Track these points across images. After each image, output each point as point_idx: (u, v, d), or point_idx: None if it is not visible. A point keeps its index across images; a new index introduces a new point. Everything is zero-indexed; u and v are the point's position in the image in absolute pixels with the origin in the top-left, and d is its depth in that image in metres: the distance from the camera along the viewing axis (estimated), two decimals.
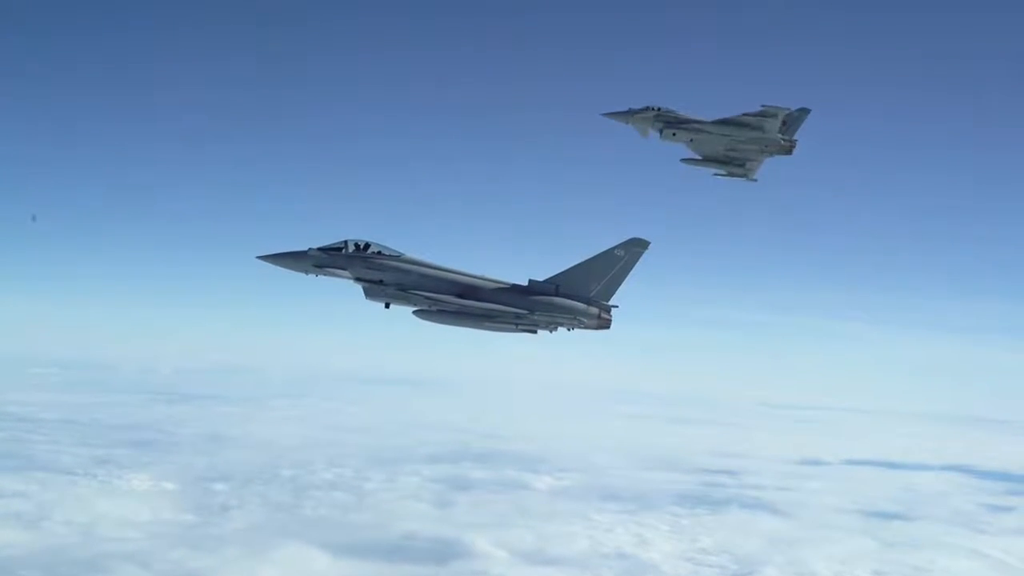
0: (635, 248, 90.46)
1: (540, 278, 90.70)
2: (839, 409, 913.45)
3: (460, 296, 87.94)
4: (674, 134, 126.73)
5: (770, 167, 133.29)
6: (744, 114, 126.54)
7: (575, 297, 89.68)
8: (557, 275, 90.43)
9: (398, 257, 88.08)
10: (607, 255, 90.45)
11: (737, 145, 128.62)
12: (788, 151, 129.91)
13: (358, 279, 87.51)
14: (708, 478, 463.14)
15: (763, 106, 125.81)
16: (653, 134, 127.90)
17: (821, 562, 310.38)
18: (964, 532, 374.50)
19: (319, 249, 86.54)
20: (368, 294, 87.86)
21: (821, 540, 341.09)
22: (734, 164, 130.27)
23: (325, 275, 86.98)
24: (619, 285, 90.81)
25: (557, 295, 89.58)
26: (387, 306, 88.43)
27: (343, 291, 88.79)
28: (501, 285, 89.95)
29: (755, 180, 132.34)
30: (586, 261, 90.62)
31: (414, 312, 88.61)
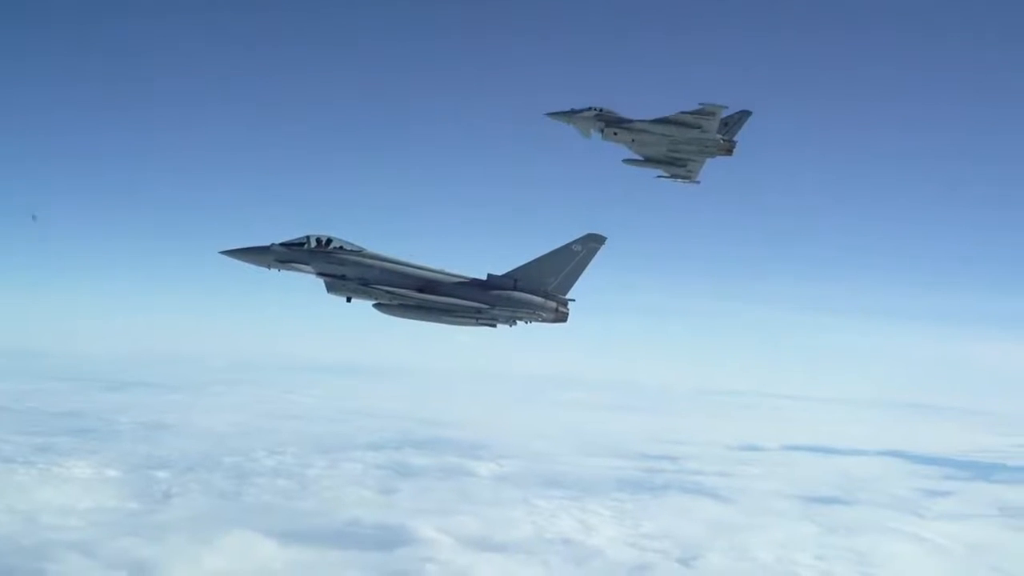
0: (592, 243, 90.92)
1: (498, 273, 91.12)
2: (775, 396, 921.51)
3: (420, 290, 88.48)
4: (615, 133, 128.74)
5: (713, 168, 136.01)
6: (682, 112, 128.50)
7: (533, 291, 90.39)
8: (515, 270, 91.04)
9: (360, 252, 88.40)
10: (564, 250, 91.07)
11: (678, 146, 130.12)
12: (728, 151, 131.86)
13: (320, 274, 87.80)
14: (649, 464, 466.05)
15: (701, 104, 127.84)
16: (595, 134, 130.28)
17: (763, 547, 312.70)
18: (903, 516, 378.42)
19: (281, 244, 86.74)
20: (330, 288, 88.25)
21: (762, 525, 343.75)
22: (676, 165, 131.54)
23: (287, 270, 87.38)
24: (576, 279, 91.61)
25: (515, 289, 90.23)
26: (349, 300, 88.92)
27: (302, 285, 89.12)
28: (461, 279, 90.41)
29: (698, 182, 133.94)
30: (544, 256, 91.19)
31: (374, 305, 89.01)
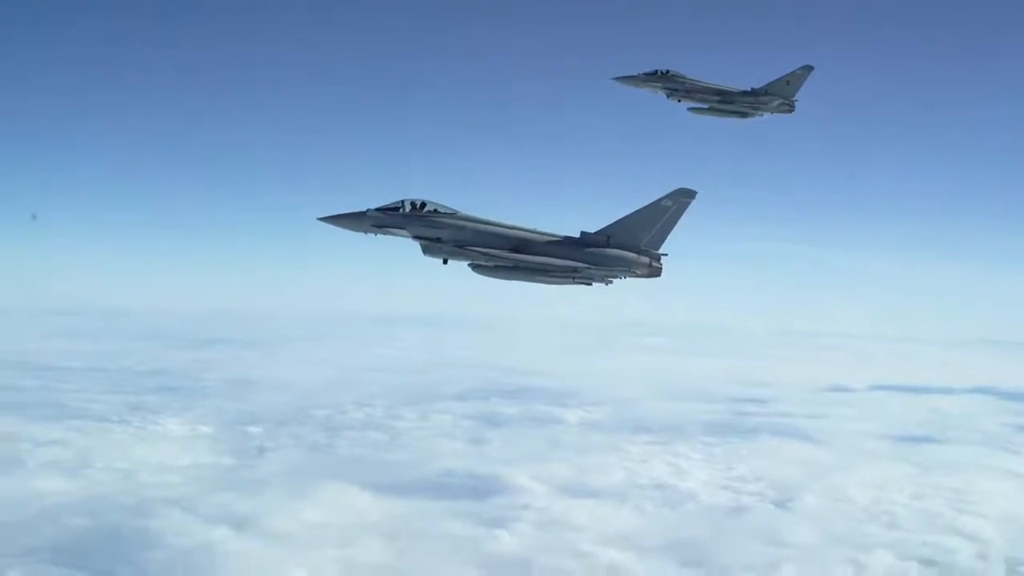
0: (683, 198, 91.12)
1: (591, 231, 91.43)
2: (858, 337, 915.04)
3: (514, 251, 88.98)
4: (679, 100, 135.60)
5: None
6: (745, 92, 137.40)
7: (626, 247, 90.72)
8: (608, 226, 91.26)
9: (453, 214, 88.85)
10: (655, 206, 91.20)
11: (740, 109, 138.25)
12: (789, 111, 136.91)
13: (416, 237, 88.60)
14: (736, 407, 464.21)
15: (767, 88, 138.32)
16: (661, 96, 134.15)
17: (858, 488, 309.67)
18: (997, 453, 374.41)
19: (377, 209, 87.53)
20: (426, 251, 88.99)
21: (855, 466, 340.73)
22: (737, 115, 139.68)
23: (384, 234, 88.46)
24: (668, 234, 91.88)
25: (608, 246, 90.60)
26: (445, 262, 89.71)
27: (400, 248, 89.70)
28: (554, 238, 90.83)
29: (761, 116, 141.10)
30: (635, 212, 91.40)
31: (470, 266, 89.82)
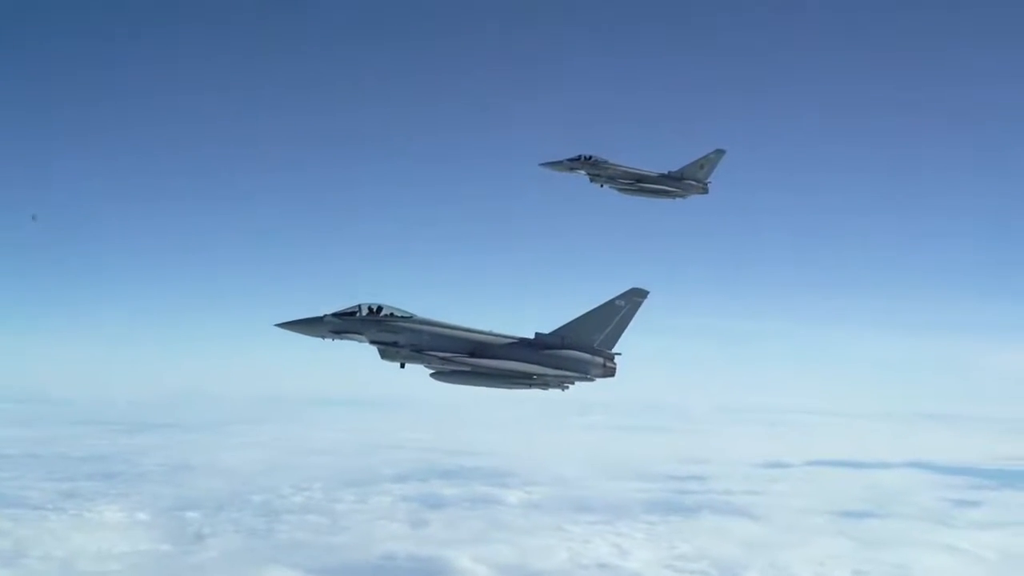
0: (635, 298, 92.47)
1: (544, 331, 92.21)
2: (797, 412, 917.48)
3: (472, 354, 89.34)
4: (602, 185, 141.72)
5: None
6: (663, 176, 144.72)
7: (581, 348, 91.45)
8: (561, 327, 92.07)
9: (410, 318, 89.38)
10: (609, 306, 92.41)
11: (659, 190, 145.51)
12: (704, 192, 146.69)
13: (373, 342, 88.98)
14: (677, 485, 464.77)
15: (683, 172, 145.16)
16: (583, 178, 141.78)
17: (801, 564, 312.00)
18: (936, 527, 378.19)
19: (334, 315, 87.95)
20: (384, 355, 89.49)
21: (797, 542, 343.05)
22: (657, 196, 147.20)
23: (341, 339, 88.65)
24: (621, 333, 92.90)
25: (564, 347, 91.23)
26: (402, 366, 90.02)
27: (358, 353, 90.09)
28: (510, 340, 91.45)
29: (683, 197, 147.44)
30: (589, 312, 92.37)
31: (432, 375, 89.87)
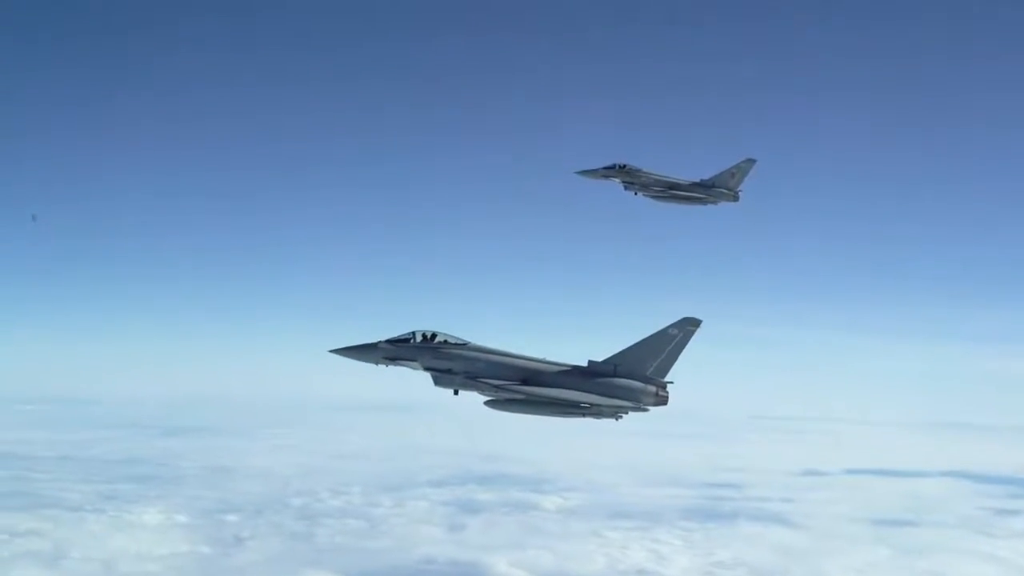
0: (688, 327, 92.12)
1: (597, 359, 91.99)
2: (832, 420, 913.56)
3: (525, 381, 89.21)
4: (636, 193, 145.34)
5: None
6: (695, 184, 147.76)
7: (633, 376, 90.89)
8: (614, 355, 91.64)
9: (464, 345, 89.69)
10: (662, 334, 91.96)
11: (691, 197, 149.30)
12: (735, 200, 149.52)
13: (427, 368, 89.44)
14: (713, 492, 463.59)
15: (714, 180, 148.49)
16: (618, 186, 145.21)
17: (839, 572, 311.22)
18: (975, 536, 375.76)
19: (387, 341, 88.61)
20: (437, 382, 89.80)
21: (835, 550, 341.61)
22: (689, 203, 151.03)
23: (395, 365, 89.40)
24: (673, 362, 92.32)
25: (616, 375, 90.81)
26: (456, 392, 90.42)
27: (408, 377, 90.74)
28: (563, 368, 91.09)
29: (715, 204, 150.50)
30: (642, 341, 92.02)
31: (485, 403, 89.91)
